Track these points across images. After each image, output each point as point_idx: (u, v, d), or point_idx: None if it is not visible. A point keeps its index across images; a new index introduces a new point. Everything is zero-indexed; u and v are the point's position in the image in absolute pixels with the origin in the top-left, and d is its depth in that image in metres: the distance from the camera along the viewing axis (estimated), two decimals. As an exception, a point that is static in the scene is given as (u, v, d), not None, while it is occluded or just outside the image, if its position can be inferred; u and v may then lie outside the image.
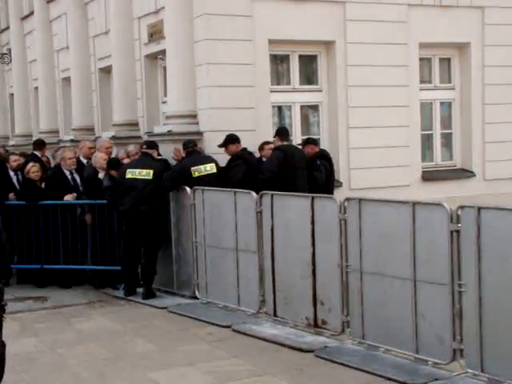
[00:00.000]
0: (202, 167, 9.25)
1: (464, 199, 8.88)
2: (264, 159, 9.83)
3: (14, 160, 10.94)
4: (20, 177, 10.80)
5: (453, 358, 5.88)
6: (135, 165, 9.31)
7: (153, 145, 9.71)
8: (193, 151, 9.50)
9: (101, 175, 9.76)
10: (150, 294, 9.07)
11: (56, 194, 9.98)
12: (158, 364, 6.58)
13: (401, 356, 6.33)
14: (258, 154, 10.04)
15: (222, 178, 9.39)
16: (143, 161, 9.33)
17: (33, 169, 10.34)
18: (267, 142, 10.00)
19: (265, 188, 8.10)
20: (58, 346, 7.26)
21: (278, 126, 10.92)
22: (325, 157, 10.18)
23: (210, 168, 9.30)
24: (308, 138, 10.54)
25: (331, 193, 9.63)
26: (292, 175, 9.35)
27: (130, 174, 9.12)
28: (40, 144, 12.63)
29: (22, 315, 8.61)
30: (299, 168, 9.55)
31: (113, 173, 9.60)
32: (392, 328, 6.44)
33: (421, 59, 12.20)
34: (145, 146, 9.63)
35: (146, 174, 9.07)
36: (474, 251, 5.62)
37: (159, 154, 9.80)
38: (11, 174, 10.86)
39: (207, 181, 9.08)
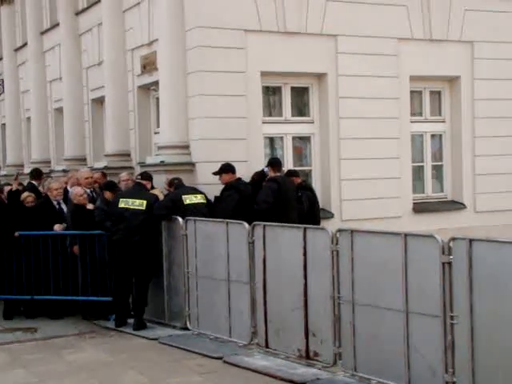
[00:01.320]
0: (192, 196, 9.37)
1: (455, 231, 8.92)
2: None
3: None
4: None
5: (445, 390, 5.86)
6: (128, 194, 9.31)
7: (147, 176, 9.76)
8: (179, 185, 9.63)
9: (90, 206, 9.75)
10: (141, 325, 9.01)
11: (45, 223, 9.94)
12: (149, 396, 6.52)
13: (393, 388, 6.30)
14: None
15: (213, 208, 9.43)
16: (137, 191, 9.33)
17: (28, 199, 10.36)
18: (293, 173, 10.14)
19: (258, 219, 8.11)
20: (48, 377, 7.19)
21: (269, 156, 10.96)
22: (307, 188, 10.23)
23: (200, 198, 9.41)
24: (289, 170, 10.58)
25: (317, 223, 9.66)
26: (285, 207, 9.37)
27: (123, 203, 9.12)
28: (37, 174, 12.61)
29: (11, 346, 8.52)
30: (291, 199, 9.59)
31: (108, 195, 9.61)
32: (384, 360, 6.41)
33: (412, 92, 12.34)
34: (139, 177, 9.69)
35: (140, 204, 9.07)
36: (466, 283, 5.63)
37: (153, 187, 9.81)
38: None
39: (198, 209, 9.14)
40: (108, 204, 9.47)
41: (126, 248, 8.97)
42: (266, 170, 9.94)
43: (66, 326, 9.32)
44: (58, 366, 7.63)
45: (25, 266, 10.00)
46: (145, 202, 9.08)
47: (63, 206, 10.35)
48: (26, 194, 10.61)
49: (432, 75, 12.41)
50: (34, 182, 12.25)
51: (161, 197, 9.48)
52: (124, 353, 8.09)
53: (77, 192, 9.95)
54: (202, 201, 9.40)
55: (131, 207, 9.06)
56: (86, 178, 10.78)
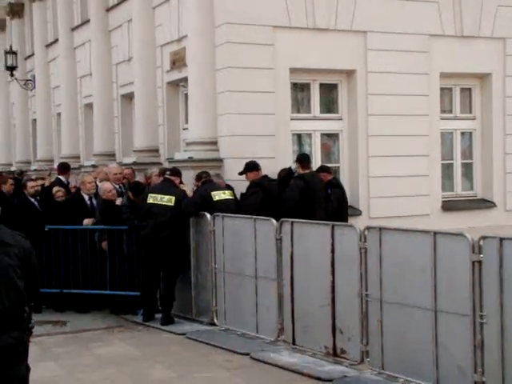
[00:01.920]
0: (220, 192, 9.35)
1: (484, 230, 8.80)
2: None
3: (32, 186, 10.87)
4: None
5: (474, 390, 5.81)
6: (157, 190, 9.34)
7: (176, 172, 9.70)
8: (206, 181, 9.58)
9: (118, 202, 9.81)
10: (168, 320, 9.06)
11: (75, 218, 10.03)
12: (176, 391, 6.55)
13: (421, 387, 6.26)
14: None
15: (240, 205, 9.44)
16: (166, 187, 9.35)
17: (58, 193, 10.48)
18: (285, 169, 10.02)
19: (284, 216, 8.10)
20: (77, 370, 7.27)
21: (297, 153, 10.93)
22: (336, 185, 10.17)
23: (229, 194, 9.39)
24: (322, 166, 10.55)
25: (345, 220, 9.61)
26: (312, 205, 9.32)
27: (152, 198, 9.15)
28: (65, 168, 12.73)
29: (41, 339, 8.62)
30: (318, 198, 9.53)
31: (130, 195, 9.67)
32: (412, 358, 6.38)
33: (442, 89, 12.22)
34: (168, 172, 9.65)
35: (168, 200, 9.10)
36: (496, 282, 5.58)
37: (181, 182, 9.84)
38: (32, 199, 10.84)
39: (227, 205, 9.14)
40: (132, 202, 9.51)
41: (154, 243, 9.02)
42: (293, 167, 9.92)
43: (94, 320, 9.41)
44: (86, 360, 7.70)
45: (54, 259, 10.10)
46: (173, 197, 9.10)
47: (94, 201, 10.42)
48: (56, 188, 10.73)
49: (463, 72, 12.28)
50: (61, 176, 12.35)
51: (189, 194, 9.50)
52: (151, 347, 8.14)
53: (105, 188, 10.01)
54: (230, 197, 9.40)
55: (159, 203, 9.09)
56: (115, 174, 10.88)
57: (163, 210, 9.03)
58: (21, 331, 4.26)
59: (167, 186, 9.34)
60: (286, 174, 9.79)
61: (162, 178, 9.84)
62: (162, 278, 9.24)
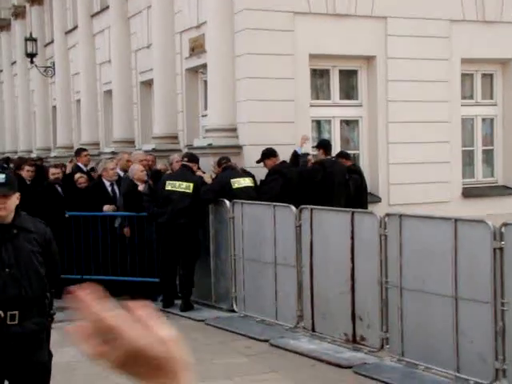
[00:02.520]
0: (240, 179, 9.32)
1: (505, 216, 8.73)
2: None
3: (53, 173, 10.97)
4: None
5: (495, 377, 5.79)
6: (175, 177, 9.35)
7: (194, 158, 9.69)
8: (227, 167, 9.56)
9: (141, 187, 9.82)
10: (188, 307, 9.10)
11: (96, 204, 10.08)
12: (196, 376, 6.56)
13: (441, 374, 6.24)
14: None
15: (259, 193, 9.43)
16: (183, 173, 9.35)
17: (80, 179, 10.55)
18: (307, 154, 10.00)
19: (305, 203, 8.09)
20: (97, 356, 7.30)
21: (317, 140, 10.89)
22: (355, 171, 10.12)
23: (249, 181, 9.37)
24: (341, 152, 10.51)
25: (364, 207, 9.58)
26: (331, 192, 9.30)
27: (170, 185, 9.16)
28: (76, 153, 12.77)
29: (62, 325, 8.68)
30: (339, 184, 9.50)
31: (151, 183, 9.70)
32: (432, 345, 6.36)
33: (463, 75, 12.11)
34: (186, 159, 9.60)
35: (186, 187, 9.10)
36: (518, 269, 5.54)
37: (199, 168, 9.84)
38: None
39: (246, 193, 9.11)
40: (153, 190, 9.54)
41: (172, 230, 9.02)
42: (298, 150, 9.87)
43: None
44: (107, 345, 7.74)
45: (75, 246, 10.17)
46: (191, 184, 9.10)
47: (116, 188, 10.44)
48: (78, 175, 10.78)
49: (484, 58, 12.15)
50: (79, 163, 12.34)
51: (209, 181, 9.50)
52: (171, 333, 8.16)
53: (138, 168, 9.98)
54: (250, 184, 9.36)
55: (178, 190, 9.09)
56: (141, 161, 10.84)
57: (182, 197, 9.04)
58: (43, 317, 4.30)
59: (185, 173, 9.33)
60: (293, 157, 9.77)
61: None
62: (180, 265, 9.27)
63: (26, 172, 11.83)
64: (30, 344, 4.20)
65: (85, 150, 13.17)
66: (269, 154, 9.75)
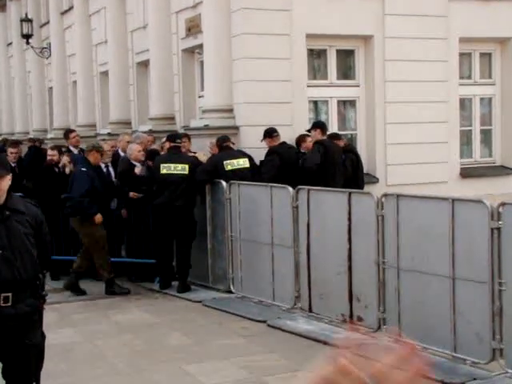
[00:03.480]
0: (234, 161, 9.21)
1: (503, 197, 8.72)
2: (303, 151, 9.81)
3: (49, 154, 10.91)
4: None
5: (492, 357, 5.80)
6: (169, 159, 9.21)
7: (181, 137, 9.61)
8: (225, 147, 9.43)
9: (137, 170, 9.77)
10: (185, 288, 9.09)
11: None
12: (194, 357, 6.60)
13: (438, 354, 6.24)
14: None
15: (256, 173, 9.40)
16: (177, 155, 9.22)
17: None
18: (307, 135, 9.93)
19: (305, 182, 8.06)
20: (95, 337, 7.33)
21: (314, 120, 10.84)
22: (351, 151, 10.08)
23: (243, 162, 9.25)
24: (332, 133, 10.46)
25: (360, 187, 9.57)
26: (332, 170, 9.29)
27: (165, 169, 9.05)
28: (66, 133, 12.64)
29: (59, 306, 8.70)
30: (338, 164, 9.48)
31: (150, 163, 9.65)
32: (429, 326, 6.36)
33: (461, 54, 12.03)
34: (178, 141, 9.41)
35: (182, 168, 9.02)
36: (515, 249, 5.52)
37: (190, 151, 9.78)
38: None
39: (240, 175, 9.05)
40: (152, 171, 9.48)
41: (169, 212, 8.97)
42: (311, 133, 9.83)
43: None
44: (104, 327, 7.77)
45: (71, 227, 10.13)
46: (187, 166, 9.01)
47: (111, 170, 10.39)
48: (65, 158, 10.70)
49: (482, 37, 12.06)
50: (69, 145, 12.18)
51: (204, 159, 9.44)
52: (168, 315, 8.19)
53: (136, 147, 9.87)
54: (245, 165, 9.23)
55: (174, 172, 9.00)
56: (148, 141, 10.75)
57: (179, 179, 8.97)
58: (35, 299, 4.29)
59: (177, 154, 9.21)
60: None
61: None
62: (176, 247, 9.25)
63: (10, 154, 11.81)
64: (23, 326, 4.18)
65: (73, 131, 13.08)
66: (267, 133, 9.72)
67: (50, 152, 10.88)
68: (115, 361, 6.55)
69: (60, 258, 10.35)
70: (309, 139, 9.80)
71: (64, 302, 8.95)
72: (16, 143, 13.21)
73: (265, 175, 9.14)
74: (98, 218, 9.08)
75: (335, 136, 10.17)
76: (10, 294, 4.09)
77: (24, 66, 23.99)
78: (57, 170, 10.49)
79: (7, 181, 4.19)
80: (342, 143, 10.04)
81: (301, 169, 9.29)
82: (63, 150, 11.56)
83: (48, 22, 20.51)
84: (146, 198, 9.54)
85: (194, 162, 9.17)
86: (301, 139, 9.88)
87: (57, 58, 19.60)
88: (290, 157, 9.47)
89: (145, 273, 9.85)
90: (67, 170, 10.15)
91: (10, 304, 4.09)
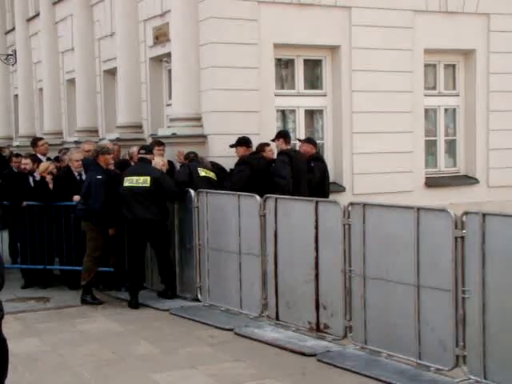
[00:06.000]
0: (206, 170, 9.47)
1: (467, 206, 8.84)
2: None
3: (24, 163, 10.78)
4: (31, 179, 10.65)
5: (456, 364, 5.88)
6: (132, 172, 9.09)
7: (150, 149, 9.50)
8: (193, 159, 9.69)
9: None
10: (174, 293, 9.11)
11: (65, 194, 9.93)
12: (161, 366, 6.58)
13: (403, 361, 6.32)
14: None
15: (227, 181, 9.47)
16: (141, 167, 9.08)
17: (51, 166, 10.38)
18: (267, 144, 9.99)
19: (275, 192, 8.12)
20: (61, 346, 7.26)
21: (281, 129, 10.90)
22: (319, 159, 10.17)
23: (213, 175, 9.49)
24: (309, 138, 10.56)
25: (326, 195, 9.66)
26: (297, 180, 9.36)
27: (128, 182, 8.91)
28: (34, 141, 12.48)
29: (24, 315, 8.62)
30: (302, 172, 9.56)
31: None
32: (395, 333, 6.43)
33: (426, 65, 12.22)
34: (143, 151, 9.23)
35: (144, 181, 8.84)
36: (479, 257, 5.62)
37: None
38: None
39: (212, 183, 9.21)
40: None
41: (141, 226, 8.83)
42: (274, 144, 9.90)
43: (78, 296, 9.36)
44: (70, 336, 7.70)
45: (38, 236, 10.05)
46: (148, 178, 8.83)
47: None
48: (48, 163, 10.61)
49: (447, 48, 12.27)
50: (37, 154, 12.04)
51: (163, 164, 9.35)
52: (136, 323, 8.15)
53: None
54: (215, 178, 9.48)
55: (136, 185, 8.84)
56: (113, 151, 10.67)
57: (141, 192, 8.79)
58: None
59: (142, 166, 9.04)
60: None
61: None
62: (157, 257, 9.17)
63: None
64: None
65: (41, 138, 12.95)
66: (242, 142, 9.80)
67: (24, 161, 10.75)
68: (81, 370, 6.50)
69: (24, 267, 10.28)
70: (268, 148, 9.88)
71: (29, 310, 8.87)
72: None
73: (235, 185, 9.18)
74: (112, 231, 9.22)
75: (310, 141, 10.23)
76: None
77: (-11, 73, 23.71)
78: (31, 178, 10.38)
79: None
80: (314, 150, 10.08)
81: (272, 181, 9.32)
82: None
83: (13, 29, 20.35)
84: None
85: (155, 174, 8.94)
86: (260, 148, 9.91)
87: (22, 65, 19.46)
88: (261, 167, 9.50)
89: (111, 281, 9.79)
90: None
91: None
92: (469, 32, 12.32)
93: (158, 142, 10.25)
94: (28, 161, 10.68)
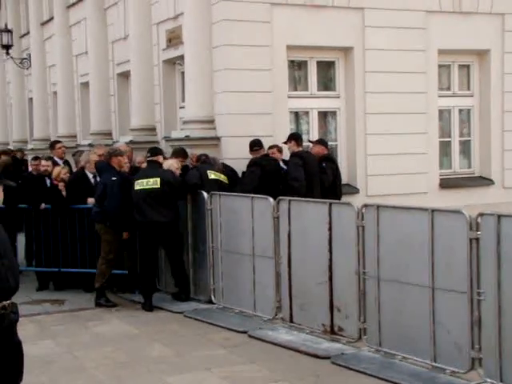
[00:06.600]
0: (217, 173, 9.42)
1: (482, 207, 8.77)
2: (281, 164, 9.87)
3: (43, 165, 10.82)
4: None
5: (471, 366, 5.83)
6: (142, 175, 9.09)
7: (157, 151, 9.49)
8: (204, 161, 9.66)
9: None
10: (188, 296, 9.10)
11: (79, 197, 9.97)
12: (175, 368, 6.58)
13: (418, 364, 6.28)
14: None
15: (239, 184, 9.47)
16: (150, 169, 9.11)
17: (63, 170, 10.37)
18: (273, 146, 10.00)
19: (288, 194, 8.10)
20: (75, 348, 7.29)
21: (295, 131, 10.90)
22: (331, 159, 10.13)
23: (224, 178, 9.45)
24: (321, 139, 10.53)
25: (339, 196, 9.63)
26: (309, 182, 9.34)
27: (138, 185, 8.92)
28: (52, 144, 12.52)
29: (39, 317, 8.65)
30: (315, 173, 9.54)
31: None
32: (409, 335, 6.40)
33: (440, 66, 12.16)
34: (149, 154, 9.28)
35: (154, 182, 8.85)
36: (494, 259, 5.58)
37: (165, 158, 9.73)
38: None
39: (222, 186, 9.21)
40: None
41: (153, 229, 8.82)
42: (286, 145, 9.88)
43: (92, 299, 9.39)
44: (84, 338, 7.73)
45: (53, 238, 10.08)
46: (158, 179, 8.84)
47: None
48: (60, 167, 10.64)
49: (461, 49, 12.21)
50: (54, 157, 12.10)
51: (175, 166, 9.34)
52: (149, 326, 8.16)
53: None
54: (225, 181, 9.44)
55: (146, 187, 8.85)
56: (126, 153, 10.67)
57: (152, 193, 8.79)
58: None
59: (152, 169, 9.08)
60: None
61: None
62: (169, 260, 9.17)
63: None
64: (11, 331, 4.25)
65: (59, 141, 13.00)
66: (251, 145, 9.79)
67: (43, 162, 10.78)
68: (96, 372, 6.52)
69: (39, 270, 10.33)
70: (270, 151, 9.88)
71: (44, 313, 8.90)
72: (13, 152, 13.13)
73: (246, 186, 9.19)
74: (126, 234, 9.23)
75: (322, 142, 10.21)
76: (11, 301, 4.14)
77: (4, 77, 23.92)
78: (49, 180, 10.41)
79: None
80: (325, 151, 10.05)
81: (285, 184, 9.31)
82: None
83: (28, 33, 20.46)
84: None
85: (165, 175, 8.94)
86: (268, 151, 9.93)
87: (37, 69, 19.55)
88: (272, 168, 9.50)
89: (126, 284, 9.81)
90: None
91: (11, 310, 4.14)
92: (483, 32, 12.24)
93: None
94: (49, 163, 10.73)
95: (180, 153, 9.81)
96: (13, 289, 4.16)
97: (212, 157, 10.01)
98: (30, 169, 12.14)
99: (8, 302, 4.13)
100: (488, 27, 12.27)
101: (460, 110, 12.65)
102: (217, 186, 9.13)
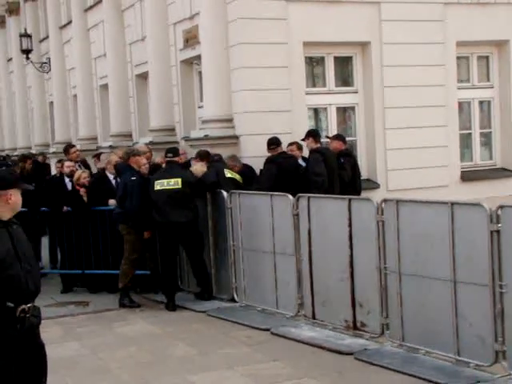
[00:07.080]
0: (232, 172, 9.48)
1: (504, 199, 8.73)
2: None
3: (68, 166, 10.95)
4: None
5: (495, 359, 5.80)
6: (162, 175, 9.10)
7: (177, 151, 9.48)
8: (217, 160, 9.73)
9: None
10: (210, 295, 9.15)
11: (100, 198, 10.05)
12: (199, 367, 6.62)
13: (441, 358, 6.26)
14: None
15: (255, 182, 9.51)
16: (170, 169, 9.11)
17: (83, 174, 10.48)
18: (292, 143, 10.00)
19: (309, 191, 8.10)
20: (100, 349, 7.35)
21: (313, 128, 10.87)
22: (349, 155, 10.08)
23: (238, 179, 9.46)
24: (338, 134, 10.48)
25: (358, 191, 9.58)
26: (330, 178, 9.31)
27: (159, 185, 8.93)
28: (66, 149, 12.63)
29: (64, 319, 8.74)
30: (334, 169, 9.51)
31: None
32: (432, 330, 6.37)
33: (458, 58, 12.06)
34: (170, 155, 9.20)
35: (175, 182, 8.88)
36: (515, 251, 5.54)
37: (189, 162, 9.79)
38: (66, 180, 10.78)
39: (237, 185, 9.21)
40: None
41: (174, 230, 8.87)
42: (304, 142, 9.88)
43: (116, 300, 9.46)
44: (109, 339, 7.79)
45: (76, 241, 10.17)
46: (179, 179, 8.86)
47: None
48: (80, 171, 10.74)
49: (479, 40, 12.10)
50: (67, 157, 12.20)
51: (203, 170, 9.38)
52: (173, 325, 8.21)
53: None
54: (240, 180, 9.46)
55: (167, 188, 8.88)
56: (145, 153, 10.74)
57: (173, 194, 8.83)
58: None
59: (172, 169, 9.09)
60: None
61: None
62: (190, 260, 9.23)
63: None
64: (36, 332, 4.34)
65: (73, 146, 13.10)
66: (269, 143, 9.79)
67: (67, 163, 10.93)
68: (120, 373, 6.58)
69: (63, 272, 10.43)
70: (290, 148, 9.89)
71: (69, 315, 8.99)
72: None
73: (262, 185, 9.19)
74: (147, 234, 9.26)
75: (339, 137, 10.15)
76: (32, 305, 4.21)
77: (24, 82, 24.12)
78: (70, 183, 10.51)
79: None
80: (343, 146, 9.99)
81: (305, 180, 9.28)
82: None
83: (47, 37, 20.63)
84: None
85: (185, 175, 9.00)
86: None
87: (57, 73, 19.70)
88: (289, 165, 9.49)
89: (149, 284, 9.87)
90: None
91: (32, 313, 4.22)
92: (502, 23, 12.11)
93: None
94: (72, 163, 10.83)
95: (204, 155, 9.81)
96: (32, 293, 4.20)
97: (232, 155, 10.03)
98: (54, 172, 12.24)
99: (28, 305, 4.18)
100: (506, 17, 12.13)
101: (480, 102, 12.55)
102: (233, 184, 9.15)
